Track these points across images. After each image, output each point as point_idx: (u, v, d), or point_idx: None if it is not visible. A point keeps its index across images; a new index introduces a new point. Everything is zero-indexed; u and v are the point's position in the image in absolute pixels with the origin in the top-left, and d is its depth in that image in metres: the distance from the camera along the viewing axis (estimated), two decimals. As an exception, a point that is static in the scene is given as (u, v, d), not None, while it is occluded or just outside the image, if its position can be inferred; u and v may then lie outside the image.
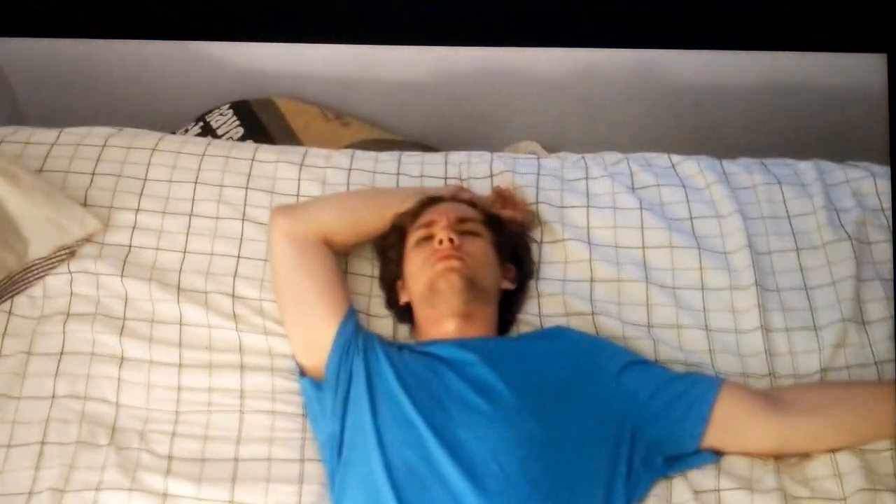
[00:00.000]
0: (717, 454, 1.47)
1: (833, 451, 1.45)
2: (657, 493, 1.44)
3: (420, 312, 1.57)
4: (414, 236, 1.59)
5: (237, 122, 2.12)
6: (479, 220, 1.60)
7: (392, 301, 1.65)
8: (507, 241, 1.63)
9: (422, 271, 1.54)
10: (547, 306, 1.65)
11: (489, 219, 1.62)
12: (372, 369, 1.48)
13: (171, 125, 2.17)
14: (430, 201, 1.64)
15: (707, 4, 1.81)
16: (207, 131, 2.11)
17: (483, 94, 2.17)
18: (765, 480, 1.43)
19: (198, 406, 1.54)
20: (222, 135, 2.10)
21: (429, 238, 1.56)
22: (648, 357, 1.57)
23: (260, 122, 2.12)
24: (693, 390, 1.47)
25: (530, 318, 1.64)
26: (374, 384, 1.46)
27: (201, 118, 2.16)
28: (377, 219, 1.65)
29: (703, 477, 1.45)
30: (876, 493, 1.39)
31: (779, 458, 1.47)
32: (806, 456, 1.47)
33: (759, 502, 1.40)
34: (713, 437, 1.45)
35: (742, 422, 1.45)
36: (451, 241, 1.52)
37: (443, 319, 1.53)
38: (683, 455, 1.46)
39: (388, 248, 1.65)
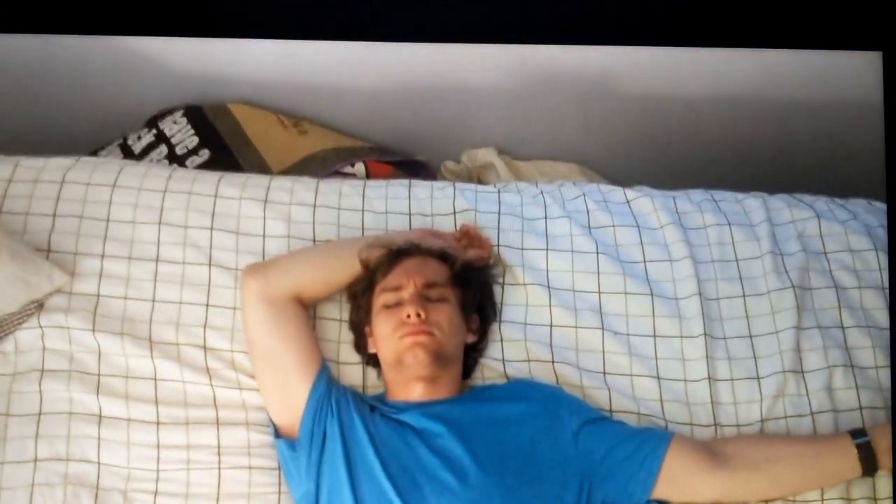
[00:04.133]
0: (663, 504, 1.61)
1: (768, 501, 1.60)
2: (605, 544, 1.57)
3: (388, 374, 1.64)
4: (382, 298, 1.64)
5: (191, 131, 2.07)
6: (447, 283, 1.65)
7: (361, 345, 1.71)
8: (473, 295, 1.69)
9: (389, 340, 1.60)
10: (510, 351, 1.73)
11: (456, 276, 1.67)
12: (348, 436, 1.56)
13: (119, 127, 2.13)
14: (400, 254, 1.68)
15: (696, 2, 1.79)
16: (161, 140, 2.07)
17: (440, 99, 2.16)
18: (704, 531, 1.58)
19: (177, 464, 1.61)
20: (176, 144, 2.07)
21: (398, 304, 1.62)
22: (604, 407, 1.68)
23: (215, 130, 2.08)
24: (644, 447, 1.58)
25: (494, 363, 1.72)
26: (350, 452, 1.54)
27: (154, 124, 2.10)
28: (348, 271, 1.70)
29: (648, 527, 1.58)
30: (803, 545, 1.56)
31: (717, 506, 1.62)
32: (742, 505, 1.62)
33: (700, 554, 1.55)
34: (661, 490, 1.57)
35: (688, 476, 1.58)
36: (418, 315, 1.58)
37: (410, 383, 1.61)
38: (633, 507, 1.60)
39: (359, 294, 1.69)
